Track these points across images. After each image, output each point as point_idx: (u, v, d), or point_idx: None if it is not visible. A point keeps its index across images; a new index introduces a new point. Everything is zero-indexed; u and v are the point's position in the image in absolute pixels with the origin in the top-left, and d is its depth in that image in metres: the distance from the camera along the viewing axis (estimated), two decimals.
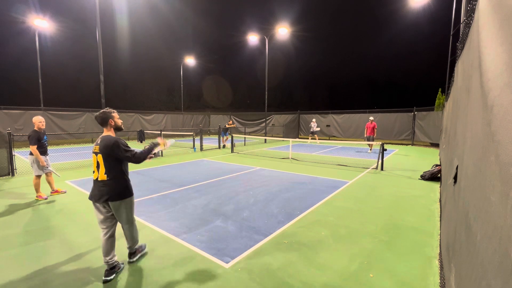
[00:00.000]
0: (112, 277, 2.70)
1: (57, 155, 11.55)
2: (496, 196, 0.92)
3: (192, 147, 13.81)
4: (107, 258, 2.75)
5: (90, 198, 2.77)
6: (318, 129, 16.25)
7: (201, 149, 13.44)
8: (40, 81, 17.47)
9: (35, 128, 5.23)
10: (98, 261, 3.06)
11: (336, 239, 3.61)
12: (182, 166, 9.11)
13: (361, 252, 3.27)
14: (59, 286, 2.61)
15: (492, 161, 1.01)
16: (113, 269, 2.76)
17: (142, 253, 3.18)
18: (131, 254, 3.06)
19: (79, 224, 4.12)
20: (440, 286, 2.57)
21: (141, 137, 18.01)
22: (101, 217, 2.76)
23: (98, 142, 2.73)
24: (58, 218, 4.39)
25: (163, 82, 47.22)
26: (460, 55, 3.71)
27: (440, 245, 3.37)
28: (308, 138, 16.13)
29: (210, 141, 18.49)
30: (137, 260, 3.06)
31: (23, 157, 10.69)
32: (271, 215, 4.46)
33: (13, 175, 7.55)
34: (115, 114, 2.88)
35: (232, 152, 12.80)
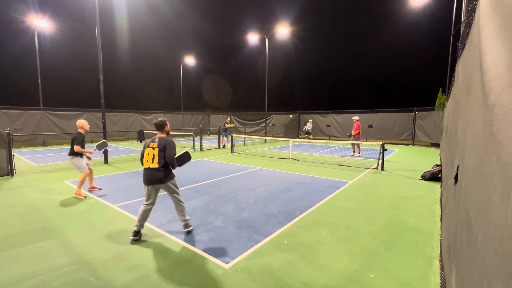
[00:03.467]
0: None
1: (56, 155, 11.55)
2: (497, 196, 0.92)
3: (192, 147, 13.81)
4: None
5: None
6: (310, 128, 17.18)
7: (201, 149, 13.44)
8: (39, 80, 17.45)
9: (80, 131, 5.60)
10: (98, 261, 3.06)
11: (336, 240, 3.60)
12: (182, 166, 9.09)
13: (361, 252, 3.26)
14: (59, 286, 2.61)
15: (493, 161, 1.01)
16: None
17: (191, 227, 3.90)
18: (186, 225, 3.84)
19: (79, 224, 4.12)
20: (440, 286, 2.57)
21: (140, 137, 17.99)
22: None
23: (156, 140, 3.66)
24: (58, 218, 4.39)
25: (163, 82, 47.20)
26: (460, 54, 3.70)
27: (440, 245, 3.36)
28: (304, 138, 16.29)
29: (210, 141, 18.49)
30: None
31: (22, 157, 10.69)
32: (271, 215, 4.46)
33: (12, 175, 7.54)
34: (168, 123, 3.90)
35: (232, 152, 12.79)
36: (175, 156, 3.67)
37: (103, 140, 6.13)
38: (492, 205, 0.97)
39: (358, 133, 11.39)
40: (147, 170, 3.62)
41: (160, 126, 3.78)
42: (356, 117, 11.67)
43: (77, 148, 5.39)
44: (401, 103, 23.29)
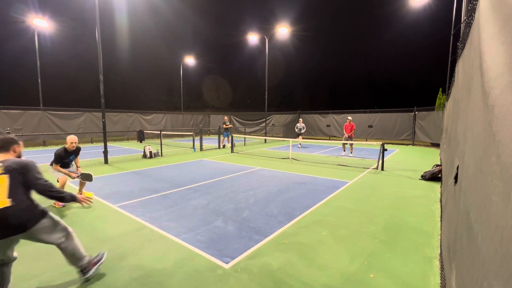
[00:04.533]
0: None
1: None
2: (497, 196, 0.92)
3: (192, 147, 13.81)
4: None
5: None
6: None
7: (201, 149, 13.43)
8: (39, 80, 17.45)
9: (66, 146, 5.06)
10: None
11: (336, 240, 3.60)
12: (182, 166, 9.11)
13: (361, 252, 3.26)
14: (59, 286, 2.60)
15: (493, 161, 1.01)
16: None
17: (100, 263, 2.79)
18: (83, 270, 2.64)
19: (79, 224, 4.12)
20: (440, 286, 2.57)
21: (140, 137, 18.00)
22: None
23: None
24: None
25: (162, 81, 47.23)
26: (460, 54, 3.70)
27: (440, 245, 3.36)
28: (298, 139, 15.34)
29: (210, 141, 18.49)
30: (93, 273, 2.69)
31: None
32: (271, 215, 4.46)
33: None
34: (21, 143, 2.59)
35: (232, 152, 12.79)
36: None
37: (90, 174, 4.72)
38: (492, 205, 0.97)
39: (353, 133, 11.72)
40: None
41: (3, 144, 2.42)
42: (350, 117, 11.82)
43: (55, 167, 4.93)
44: (401, 103, 23.30)
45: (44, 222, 2.39)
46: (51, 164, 5.08)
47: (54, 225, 2.47)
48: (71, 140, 5.10)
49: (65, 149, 5.08)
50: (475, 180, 1.37)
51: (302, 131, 14.72)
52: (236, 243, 3.47)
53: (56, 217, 2.56)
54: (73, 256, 2.57)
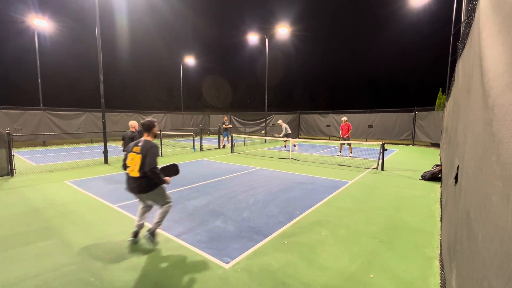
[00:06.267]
0: None
1: (56, 155, 11.56)
2: (497, 196, 0.92)
3: (192, 147, 13.80)
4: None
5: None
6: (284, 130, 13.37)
7: (201, 149, 13.43)
8: (39, 80, 17.44)
9: (132, 130, 6.48)
10: (98, 261, 3.06)
11: (336, 240, 3.60)
12: (182, 166, 9.06)
13: (361, 252, 3.26)
14: (59, 286, 2.61)
15: (493, 161, 1.01)
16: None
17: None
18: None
19: (79, 224, 4.12)
20: (440, 286, 2.57)
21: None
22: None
23: (140, 143, 3.31)
24: (57, 218, 4.39)
25: (162, 81, 47.19)
26: (460, 54, 3.70)
27: (440, 245, 3.36)
28: (284, 143, 14.24)
29: (210, 141, 18.48)
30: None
31: (22, 157, 10.69)
32: (271, 215, 4.46)
33: (12, 175, 7.54)
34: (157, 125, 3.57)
35: (232, 152, 12.79)
36: (161, 167, 3.09)
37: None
38: (492, 205, 0.97)
39: (350, 134, 11.65)
40: (128, 178, 3.31)
41: (148, 127, 3.42)
42: (345, 118, 11.72)
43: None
44: (401, 103, 23.30)
45: (158, 190, 3.33)
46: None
47: (163, 195, 3.42)
48: (137, 123, 6.68)
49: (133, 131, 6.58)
50: (475, 180, 1.37)
51: (288, 132, 13.08)
52: (236, 243, 3.47)
53: (165, 191, 3.46)
54: (162, 214, 3.42)
